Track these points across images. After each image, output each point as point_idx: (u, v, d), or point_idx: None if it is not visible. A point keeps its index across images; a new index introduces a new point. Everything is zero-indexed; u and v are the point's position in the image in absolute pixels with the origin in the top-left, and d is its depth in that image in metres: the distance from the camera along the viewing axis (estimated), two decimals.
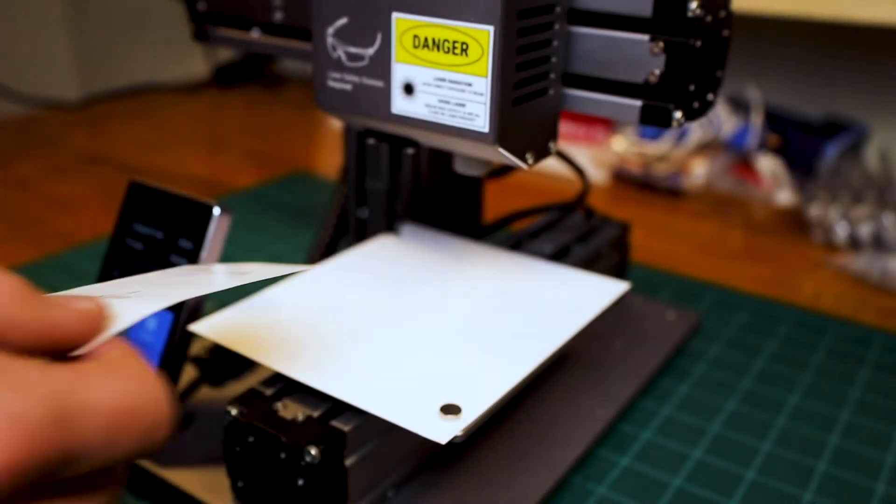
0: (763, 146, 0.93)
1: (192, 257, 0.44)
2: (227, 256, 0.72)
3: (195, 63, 1.40)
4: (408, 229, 0.54)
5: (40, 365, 0.25)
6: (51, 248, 0.73)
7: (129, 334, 0.45)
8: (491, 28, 0.36)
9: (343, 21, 0.41)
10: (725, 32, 0.41)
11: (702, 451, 0.49)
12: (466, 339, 0.42)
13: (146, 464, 0.44)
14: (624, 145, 0.93)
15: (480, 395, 0.37)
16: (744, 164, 0.94)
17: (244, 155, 1.02)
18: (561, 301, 0.46)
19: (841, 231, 0.77)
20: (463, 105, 0.38)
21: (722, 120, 0.91)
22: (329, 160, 1.01)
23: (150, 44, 1.61)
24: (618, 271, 0.61)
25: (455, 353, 0.41)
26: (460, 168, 0.45)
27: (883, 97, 0.95)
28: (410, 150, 0.50)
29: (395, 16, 0.39)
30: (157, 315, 0.44)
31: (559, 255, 0.54)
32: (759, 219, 0.86)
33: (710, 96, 0.42)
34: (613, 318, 0.59)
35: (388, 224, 0.57)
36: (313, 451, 0.35)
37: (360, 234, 0.59)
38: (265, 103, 1.23)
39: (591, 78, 0.41)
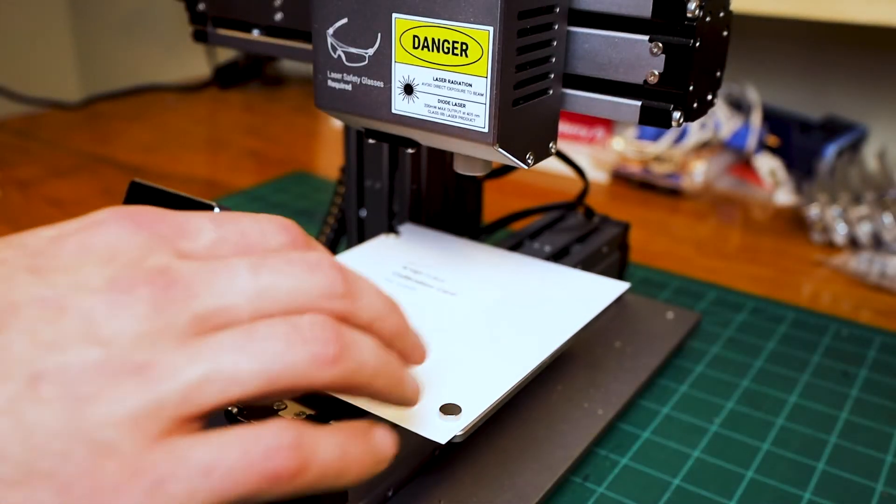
0: (762, 146, 0.93)
1: None
2: None
3: (196, 64, 1.41)
4: (407, 229, 0.54)
5: None
6: None
7: None
8: (490, 28, 0.36)
9: (343, 21, 0.41)
10: (725, 33, 0.41)
11: (701, 450, 0.49)
12: (466, 339, 0.42)
13: None
14: (624, 145, 0.93)
15: (480, 394, 0.37)
16: (743, 164, 0.94)
17: (244, 155, 1.02)
18: (560, 301, 0.46)
19: (840, 231, 0.77)
20: (463, 105, 0.38)
21: (721, 120, 0.91)
22: (329, 160, 1.01)
23: (150, 45, 1.61)
24: (618, 271, 0.62)
25: (455, 352, 0.41)
26: (460, 168, 0.45)
27: (882, 98, 0.95)
28: (410, 150, 0.51)
29: (395, 16, 0.39)
30: None
31: (559, 255, 0.55)
32: (759, 219, 0.86)
33: (709, 96, 0.42)
34: (613, 317, 0.60)
35: (388, 224, 0.57)
36: None
37: (360, 234, 0.59)
38: (265, 103, 1.23)
39: (591, 78, 0.41)
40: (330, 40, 0.41)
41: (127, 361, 0.23)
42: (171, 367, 0.23)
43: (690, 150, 0.91)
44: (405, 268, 0.49)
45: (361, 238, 0.59)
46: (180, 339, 0.24)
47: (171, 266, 0.25)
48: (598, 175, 0.95)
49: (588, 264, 0.55)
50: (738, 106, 0.95)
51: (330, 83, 0.42)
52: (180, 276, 0.25)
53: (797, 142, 0.92)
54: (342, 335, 0.26)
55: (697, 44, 0.38)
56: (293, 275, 0.26)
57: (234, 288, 0.25)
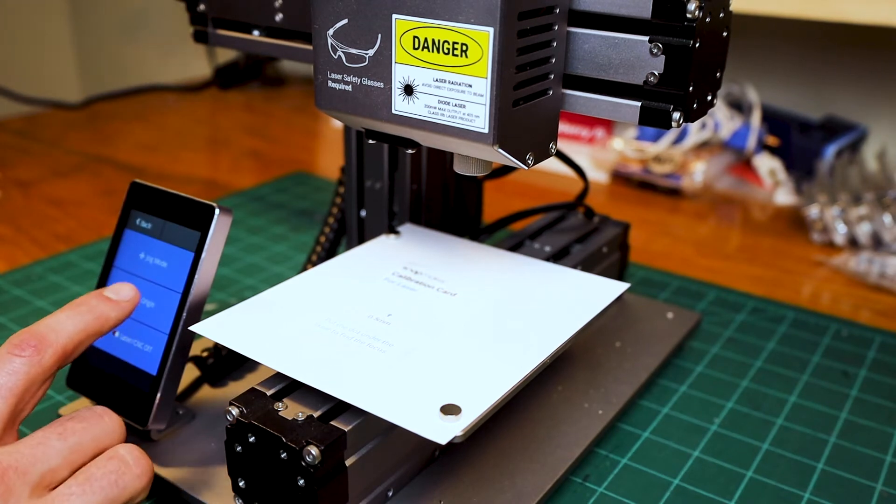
0: (762, 146, 0.93)
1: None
2: (228, 256, 0.72)
3: (197, 64, 1.41)
4: (408, 229, 0.54)
5: None
6: (51, 248, 0.74)
7: (128, 334, 0.45)
8: (491, 29, 0.36)
9: (343, 22, 0.41)
10: (724, 33, 0.41)
11: (701, 450, 0.49)
12: (466, 339, 0.42)
13: None
14: (624, 145, 0.93)
15: (480, 395, 0.37)
16: (743, 164, 0.94)
17: (244, 155, 1.02)
18: (560, 301, 0.46)
19: (840, 231, 0.77)
20: (463, 106, 0.38)
21: (721, 120, 0.91)
22: (329, 160, 1.01)
23: (151, 45, 1.61)
24: (618, 271, 0.62)
25: (455, 352, 0.41)
26: (460, 168, 0.45)
27: (881, 98, 0.95)
28: (410, 151, 0.51)
29: (396, 17, 0.39)
30: (158, 315, 0.44)
31: (559, 256, 0.55)
32: (759, 219, 0.86)
33: (709, 97, 0.42)
34: (613, 317, 0.60)
35: (388, 224, 0.57)
36: (314, 451, 0.35)
37: (360, 234, 0.59)
38: (265, 103, 1.23)
39: (591, 79, 0.41)
40: (330, 41, 0.41)
41: None
42: None
43: (690, 150, 0.91)
44: (405, 268, 0.49)
45: (361, 238, 0.59)
46: (35, 498, 0.34)
47: (3, 460, 0.34)
48: (598, 175, 0.95)
49: (588, 264, 0.55)
50: (738, 106, 0.95)
51: (330, 84, 0.42)
52: (9, 465, 0.34)
53: (797, 142, 0.92)
54: (145, 455, 0.38)
55: (697, 44, 0.38)
56: (88, 429, 0.37)
57: (52, 453, 0.35)
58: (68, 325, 0.39)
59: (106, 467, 0.36)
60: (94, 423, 0.37)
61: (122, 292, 0.42)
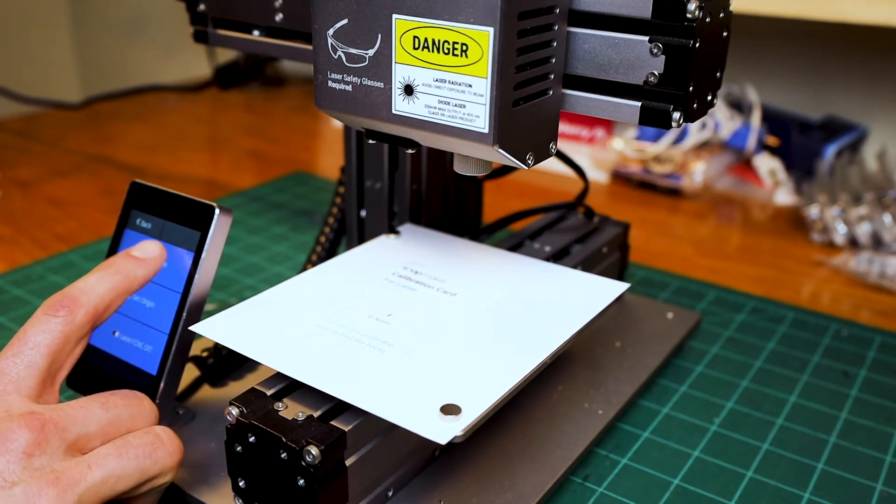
0: (762, 146, 0.93)
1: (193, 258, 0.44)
2: (228, 256, 0.72)
3: (197, 64, 1.41)
4: (408, 229, 0.54)
5: None
6: (51, 248, 0.74)
7: (128, 334, 0.45)
8: (491, 29, 0.36)
9: (343, 22, 0.41)
10: (724, 33, 0.41)
11: (701, 450, 0.49)
12: (466, 339, 0.42)
13: None
14: (624, 145, 0.93)
15: (480, 395, 0.37)
16: (743, 164, 0.94)
17: (244, 155, 1.02)
18: (560, 301, 0.46)
19: (840, 231, 0.77)
20: (463, 106, 0.38)
21: (721, 120, 0.91)
22: (329, 160, 1.01)
23: (151, 45, 1.61)
24: (618, 271, 0.62)
25: (455, 352, 0.41)
26: (460, 168, 0.45)
27: (881, 98, 0.95)
28: (410, 151, 0.51)
29: (396, 17, 0.39)
30: (158, 315, 0.44)
31: (559, 256, 0.55)
32: (759, 219, 0.86)
33: (709, 97, 0.42)
34: (613, 317, 0.60)
35: (388, 224, 0.57)
36: (314, 451, 0.35)
37: (360, 234, 0.59)
38: (265, 103, 1.23)
39: (591, 79, 0.41)
40: (330, 41, 0.41)
41: (42, 478, 0.33)
42: (77, 475, 0.34)
43: (690, 150, 0.91)
44: (405, 268, 0.49)
45: (361, 238, 0.59)
46: (68, 457, 0.35)
47: (45, 413, 0.35)
48: (598, 175, 0.95)
49: (588, 264, 0.55)
50: (738, 106, 0.95)
51: (330, 84, 0.42)
52: (50, 419, 0.35)
53: (797, 142, 0.92)
54: (178, 438, 0.40)
55: (697, 44, 0.38)
56: (128, 406, 0.39)
57: (92, 419, 0.37)
58: (98, 286, 0.40)
59: (142, 438, 0.38)
60: (134, 403, 0.39)
61: (148, 250, 0.43)
